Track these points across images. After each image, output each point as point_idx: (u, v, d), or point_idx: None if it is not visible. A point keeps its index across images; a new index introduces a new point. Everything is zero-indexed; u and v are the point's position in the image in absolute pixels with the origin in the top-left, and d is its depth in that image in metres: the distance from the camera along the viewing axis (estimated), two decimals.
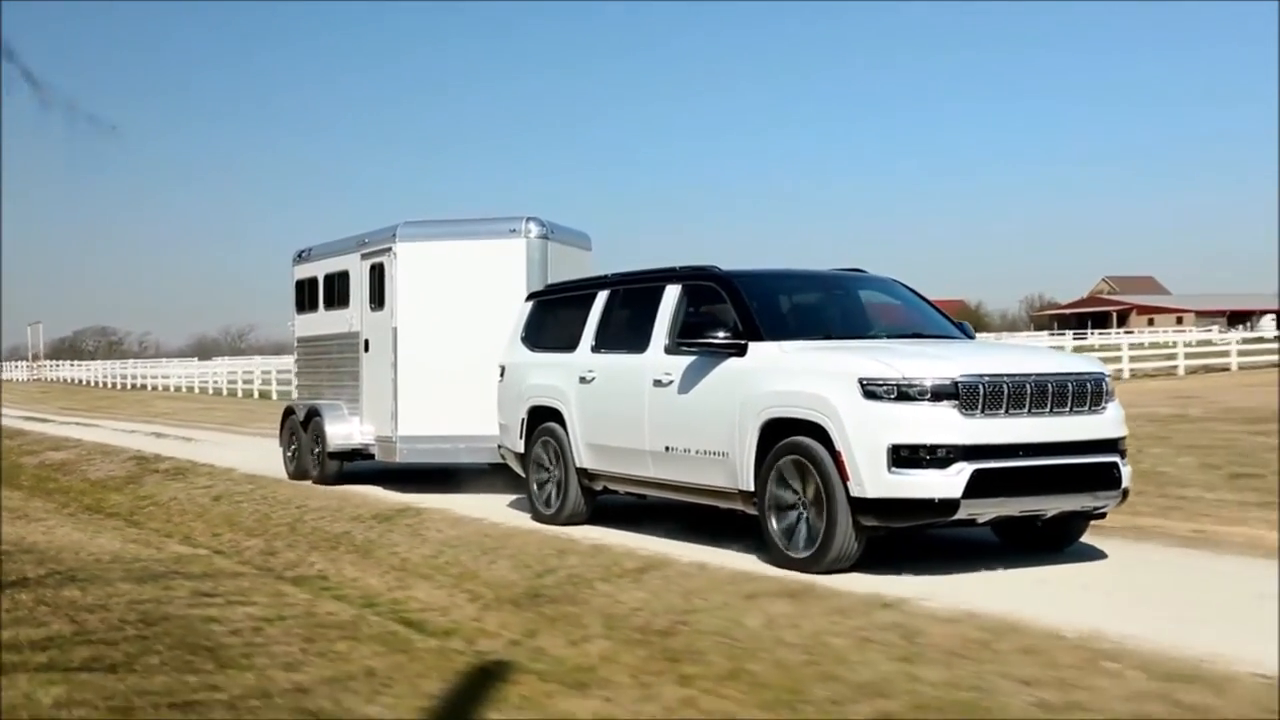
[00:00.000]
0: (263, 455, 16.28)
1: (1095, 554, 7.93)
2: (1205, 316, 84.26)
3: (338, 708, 5.04)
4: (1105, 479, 7.44)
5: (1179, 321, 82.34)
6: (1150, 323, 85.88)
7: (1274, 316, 64.86)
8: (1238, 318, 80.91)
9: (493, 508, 11.07)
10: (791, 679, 5.21)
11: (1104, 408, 7.58)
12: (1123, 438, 7.63)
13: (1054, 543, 8.02)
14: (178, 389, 53.16)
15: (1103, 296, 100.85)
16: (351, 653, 6.07)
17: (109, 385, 62.06)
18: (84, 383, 66.95)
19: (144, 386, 57.35)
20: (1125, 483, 7.54)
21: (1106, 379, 7.66)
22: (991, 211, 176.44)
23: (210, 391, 49.48)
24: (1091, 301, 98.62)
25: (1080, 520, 7.90)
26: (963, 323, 9.23)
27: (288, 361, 50.68)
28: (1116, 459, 7.51)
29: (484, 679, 5.50)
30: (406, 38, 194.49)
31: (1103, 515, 7.83)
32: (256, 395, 43.19)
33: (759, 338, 8.16)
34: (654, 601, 6.83)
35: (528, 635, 6.39)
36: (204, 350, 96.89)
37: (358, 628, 6.72)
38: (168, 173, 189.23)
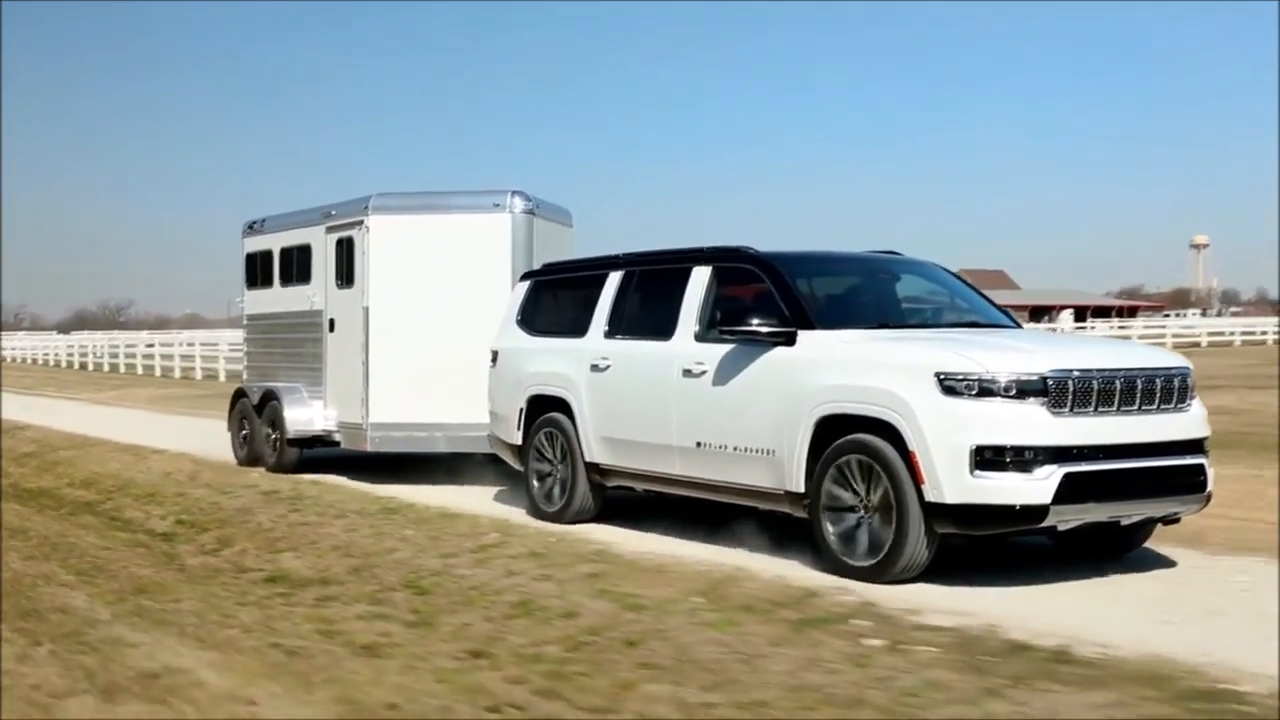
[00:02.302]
0: None
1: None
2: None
3: None
4: (1192, 482, 6.94)
5: None
6: None
7: (1072, 311, 69.65)
8: (1039, 312, 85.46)
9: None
10: (149, 493, 11.54)
11: (1189, 405, 7.08)
12: (1207, 437, 7.13)
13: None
14: (11, 360, 56.85)
15: None
16: None
17: None
18: None
19: None
20: (1210, 486, 7.04)
21: (1191, 374, 7.15)
22: (852, 198, 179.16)
23: (40, 362, 54.60)
24: None
25: (1149, 525, 7.40)
26: (1006, 309, 8.67)
27: (147, 336, 54.45)
28: (1203, 460, 7.01)
29: None
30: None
31: (1177, 520, 7.34)
32: (106, 368, 46.30)
33: (809, 325, 7.50)
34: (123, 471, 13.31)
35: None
36: (82, 324, 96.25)
37: None
38: (58, 140, 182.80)
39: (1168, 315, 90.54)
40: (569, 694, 5.00)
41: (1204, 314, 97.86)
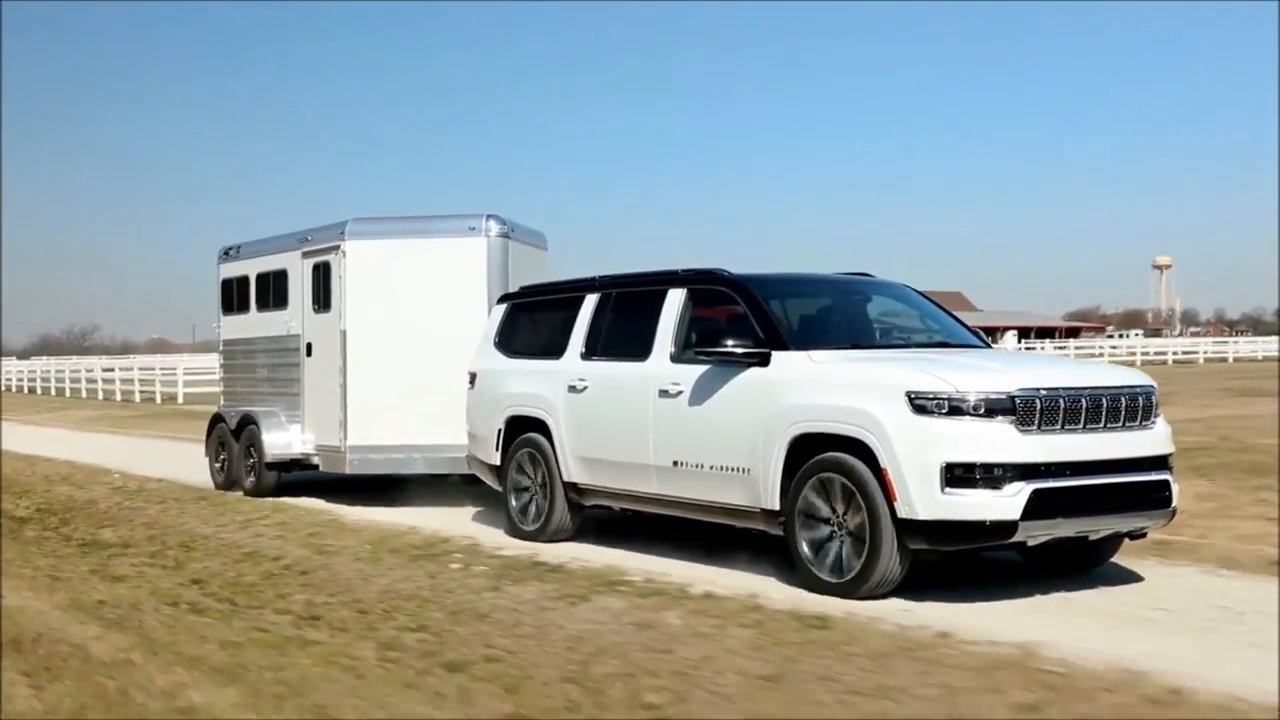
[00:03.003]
0: None
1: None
2: None
3: None
4: (1157, 498, 7.11)
5: None
6: None
7: (1015, 332, 73.17)
8: (985, 333, 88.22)
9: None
10: (25, 489, 13.88)
11: (1153, 422, 7.26)
12: (1172, 454, 7.30)
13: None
14: None
15: None
16: None
17: None
18: None
19: None
20: (1175, 501, 7.22)
21: (1155, 392, 7.33)
22: (822, 219, 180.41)
23: None
24: None
25: (1116, 540, 7.56)
26: (976, 329, 8.85)
27: (98, 361, 55.90)
28: (1168, 476, 7.18)
29: None
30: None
31: (1143, 535, 7.51)
32: (53, 392, 49.60)
33: (783, 346, 7.64)
34: None
35: None
36: (47, 349, 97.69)
37: None
38: (26, 165, 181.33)
39: (1110, 336, 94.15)
40: (240, 599, 7.46)
41: (1160, 334, 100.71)
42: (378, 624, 6.64)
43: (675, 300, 8.51)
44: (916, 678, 5.31)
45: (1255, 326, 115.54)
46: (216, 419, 13.81)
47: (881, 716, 4.86)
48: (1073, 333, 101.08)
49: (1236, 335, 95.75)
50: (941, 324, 8.66)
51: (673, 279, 8.66)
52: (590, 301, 9.28)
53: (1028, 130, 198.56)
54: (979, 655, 5.65)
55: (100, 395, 44.22)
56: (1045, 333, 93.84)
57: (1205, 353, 65.86)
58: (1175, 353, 65.55)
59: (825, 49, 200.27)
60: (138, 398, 41.13)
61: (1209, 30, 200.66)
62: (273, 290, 13.22)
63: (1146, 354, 63.76)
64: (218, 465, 13.62)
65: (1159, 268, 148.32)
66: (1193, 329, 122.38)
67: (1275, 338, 68.29)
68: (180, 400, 38.15)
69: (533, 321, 10.08)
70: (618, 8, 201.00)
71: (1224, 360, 62.65)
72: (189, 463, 15.11)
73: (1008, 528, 6.62)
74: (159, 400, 39.34)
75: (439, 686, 5.41)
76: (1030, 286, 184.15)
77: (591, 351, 9.11)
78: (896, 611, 6.57)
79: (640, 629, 6.33)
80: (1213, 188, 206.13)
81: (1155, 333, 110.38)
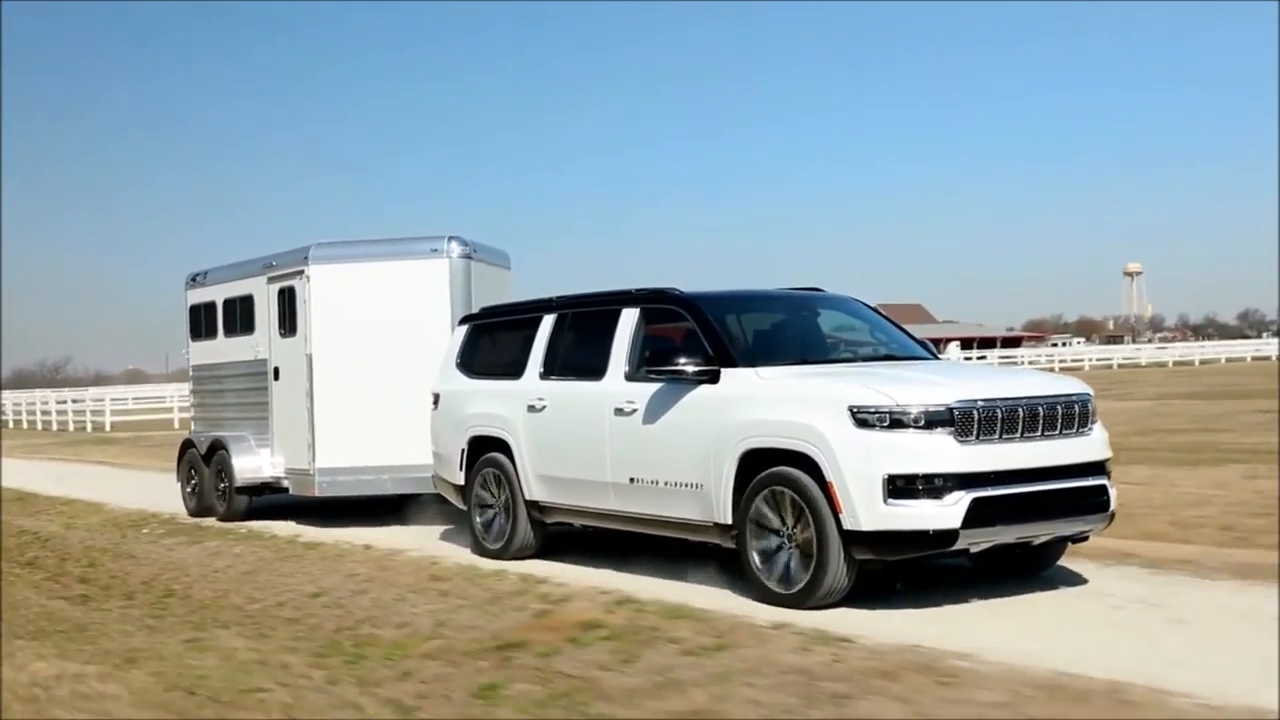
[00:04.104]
0: None
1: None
2: None
3: None
4: (1095, 502, 7.31)
5: None
6: None
7: (958, 343, 74.86)
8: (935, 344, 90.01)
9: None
10: None
11: (1090, 429, 7.45)
12: (1109, 459, 7.50)
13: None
14: None
15: None
16: None
17: None
18: None
19: None
20: (1113, 505, 7.41)
21: (1092, 399, 7.53)
22: (790, 235, 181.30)
23: None
24: None
25: (1060, 544, 7.75)
26: (925, 341, 9.04)
27: (43, 394, 58.29)
28: (1105, 481, 7.38)
29: None
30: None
31: (1085, 539, 7.70)
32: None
33: (732, 363, 7.82)
34: None
35: None
36: (21, 383, 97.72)
37: None
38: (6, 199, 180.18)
39: (1054, 345, 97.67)
40: None
41: (1120, 341, 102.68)
42: (66, 564, 10.02)
43: (629, 320, 8.68)
44: (323, 566, 9.05)
45: (1220, 331, 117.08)
46: (187, 444, 13.91)
47: (281, 581, 8.44)
48: (1012, 342, 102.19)
49: (1202, 340, 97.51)
50: (889, 337, 8.84)
51: (626, 299, 8.83)
52: (548, 322, 9.44)
53: (995, 139, 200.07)
54: (372, 554, 9.60)
55: (39, 426, 47.31)
56: (987, 343, 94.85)
57: (1092, 360, 67.13)
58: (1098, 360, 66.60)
59: (784, 61, 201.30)
60: (71, 427, 44.25)
61: (1200, 33, 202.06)
62: (239, 316, 13.35)
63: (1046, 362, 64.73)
64: (189, 490, 13.71)
65: (1130, 274, 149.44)
66: (1160, 334, 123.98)
67: (1235, 342, 69.67)
68: (108, 429, 41.21)
69: (493, 342, 10.23)
70: (583, 32, 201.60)
71: (1109, 367, 64.85)
72: (43, 475, 20.62)
73: (949, 536, 6.80)
74: (89, 429, 42.41)
75: (53, 587, 8.73)
76: (999, 296, 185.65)
77: (550, 371, 9.27)
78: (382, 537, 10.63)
79: (211, 555, 9.78)
80: (1185, 193, 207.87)
81: (1115, 339, 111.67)
